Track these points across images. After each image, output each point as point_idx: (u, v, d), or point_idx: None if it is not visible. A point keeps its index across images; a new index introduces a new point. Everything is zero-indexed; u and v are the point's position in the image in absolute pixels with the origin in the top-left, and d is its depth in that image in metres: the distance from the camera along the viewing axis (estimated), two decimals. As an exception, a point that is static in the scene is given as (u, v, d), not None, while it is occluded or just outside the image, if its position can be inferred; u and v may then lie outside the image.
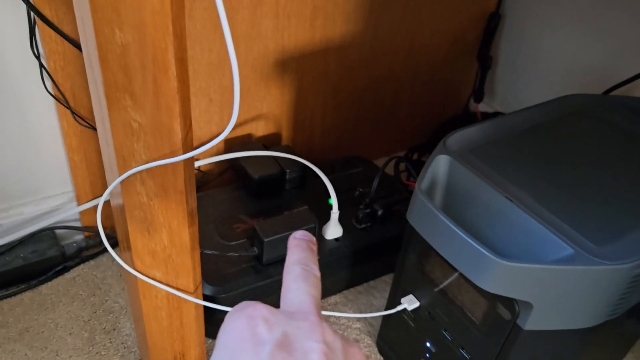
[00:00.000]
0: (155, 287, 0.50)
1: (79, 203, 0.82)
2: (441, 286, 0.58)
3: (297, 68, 0.84)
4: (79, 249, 0.82)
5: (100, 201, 0.46)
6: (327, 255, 0.75)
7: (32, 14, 0.64)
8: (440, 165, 0.56)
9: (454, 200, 0.56)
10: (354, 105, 0.95)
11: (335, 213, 0.75)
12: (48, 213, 0.81)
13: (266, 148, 0.82)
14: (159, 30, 0.35)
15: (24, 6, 0.63)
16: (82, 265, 0.81)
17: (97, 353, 0.71)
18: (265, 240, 0.68)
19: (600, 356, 0.64)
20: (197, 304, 0.54)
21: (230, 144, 0.86)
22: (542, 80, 0.98)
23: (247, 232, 0.74)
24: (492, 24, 1.00)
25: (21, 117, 0.73)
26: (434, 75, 1.02)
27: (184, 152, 0.41)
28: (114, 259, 0.54)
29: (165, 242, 0.47)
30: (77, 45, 0.68)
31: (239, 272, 0.70)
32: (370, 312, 0.79)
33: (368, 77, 0.93)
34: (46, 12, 0.65)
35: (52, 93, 0.71)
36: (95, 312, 0.76)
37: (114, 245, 0.78)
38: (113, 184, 0.42)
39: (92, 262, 0.82)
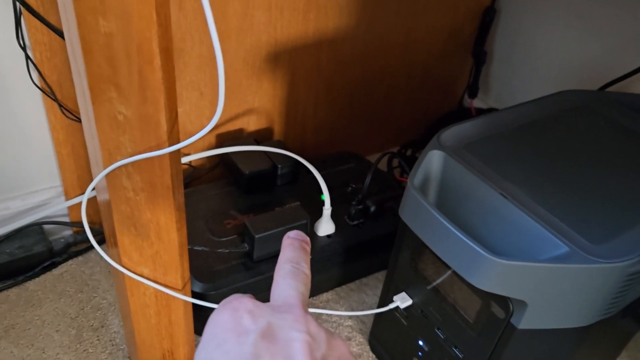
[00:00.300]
0: (143, 284, 0.49)
1: (67, 198, 0.81)
2: (434, 284, 0.57)
3: (289, 62, 0.83)
4: (67, 245, 0.81)
5: (85, 196, 0.45)
6: (319, 252, 0.74)
7: (17, 3, 0.63)
8: (433, 160, 0.56)
9: (447, 197, 0.55)
10: (347, 100, 0.94)
11: (327, 209, 0.74)
12: (35, 208, 0.80)
13: (258, 143, 0.81)
14: (144, 19, 0.34)
15: (9, -4, 0.62)
16: (70, 261, 0.80)
17: (84, 350, 0.70)
18: (256, 236, 0.67)
19: (595, 355, 0.63)
20: (185, 301, 0.54)
21: (222, 139, 0.85)
22: (538, 76, 0.97)
23: (238, 228, 0.73)
24: (487, 19, 1.00)
25: (7, 110, 0.71)
26: (428, 70, 1.01)
27: (170, 145, 0.40)
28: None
29: (153, 238, 0.47)
30: (64, 36, 0.66)
31: (229, 268, 0.69)
32: (362, 309, 0.79)
33: (361, 72, 0.92)
34: (32, 2, 0.63)
35: (39, 85, 0.70)
36: (82, 309, 0.74)
37: (102, 241, 0.77)
38: (98, 178, 0.41)
39: (80, 258, 0.81)
